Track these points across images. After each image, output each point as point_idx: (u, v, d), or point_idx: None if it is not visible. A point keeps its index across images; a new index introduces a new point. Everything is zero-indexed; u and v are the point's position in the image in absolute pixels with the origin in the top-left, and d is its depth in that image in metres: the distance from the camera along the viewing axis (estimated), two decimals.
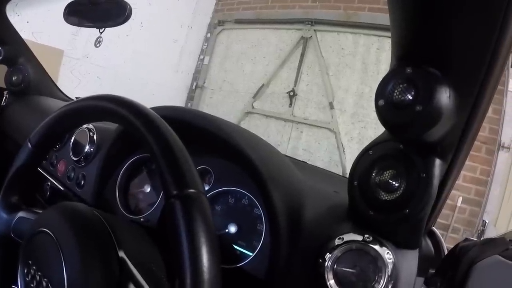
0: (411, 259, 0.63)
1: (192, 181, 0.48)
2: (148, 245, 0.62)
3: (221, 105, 5.24)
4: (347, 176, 0.67)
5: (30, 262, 0.57)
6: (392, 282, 0.60)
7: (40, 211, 0.66)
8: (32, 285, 0.55)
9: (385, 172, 0.61)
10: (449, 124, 0.52)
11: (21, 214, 0.68)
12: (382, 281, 0.60)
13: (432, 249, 0.75)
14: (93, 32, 1.48)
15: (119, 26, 1.31)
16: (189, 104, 5.58)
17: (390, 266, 0.60)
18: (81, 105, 0.64)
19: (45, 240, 0.55)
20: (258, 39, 5.04)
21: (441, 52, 0.49)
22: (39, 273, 0.55)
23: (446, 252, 0.75)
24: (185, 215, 0.45)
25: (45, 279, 0.53)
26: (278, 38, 4.85)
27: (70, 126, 0.71)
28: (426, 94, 0.49)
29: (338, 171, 3.94)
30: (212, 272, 0.44)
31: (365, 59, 4.11)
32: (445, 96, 0.49)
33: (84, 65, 4.36)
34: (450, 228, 3.35)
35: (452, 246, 0.74)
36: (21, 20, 1.58)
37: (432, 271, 0.72)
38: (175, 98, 5.45)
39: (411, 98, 0.50)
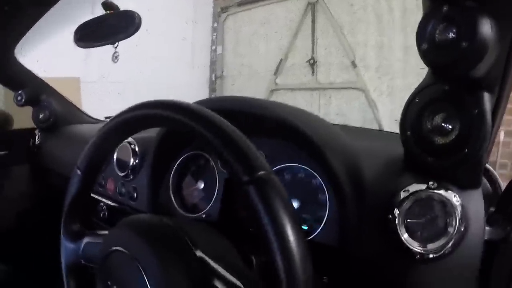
0: (477, 198, 0.63)
1: (259, 164, 0.48)
2: (218, 238, 0.63)
3: (244, 89, 5.24)
4: (385, 130, 0.66)
5: (109, 283, 0.58)
6: (464, 223, 0.61)
7: (105, 232, 0.67)
8: None
9: (436, 116, 0.61)
10: (494, 55, 0.51)
11: (86, 239, 0.69)
12: (454, 224, 0.60)
13: (490, 187, 0.75)
14: (103, 50, 1.48)
15: (127, 40, 1.30)
16: (212, 95, 5.62)
17: (459, 209, 0.60)
18: (120, 120, 0.64)
19: (120, 258, 0.56)
20: (265, 16, 4.99)
21: None
22: None
23: (502, 188, 0.74)
24: (261, 197, 0.46)
25: None
26: (285, 10, 4.80)
27: (113, 143, 0.70)
28: (469, 29, 0.48)
29: (375, 127, 3.91)
30: (300, 246, 0.45)
31: (377, 10, 4.00)
32: (488, 28, 0.48)
33: (103, 86, 4.42)
34: (497, 164, 3.25)
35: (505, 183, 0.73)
36: (30, 61, 1.63)
37: (492, 209, 0.71)
38: (198, 93, 5.50)
39: (454, 36, 0.50)
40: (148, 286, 0.51)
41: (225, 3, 5.43)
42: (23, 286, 1.79)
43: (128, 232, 0.58)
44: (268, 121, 0.80)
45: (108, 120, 0.67)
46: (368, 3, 4.08)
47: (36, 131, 1.78)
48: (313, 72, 4.51)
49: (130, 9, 1.26)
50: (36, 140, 1.77)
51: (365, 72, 4.12)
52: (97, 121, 1.88)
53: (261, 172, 0.47)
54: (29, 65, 1.66)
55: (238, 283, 0.51)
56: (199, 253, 0.54)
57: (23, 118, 1.90)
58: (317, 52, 4.49)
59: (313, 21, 4.50)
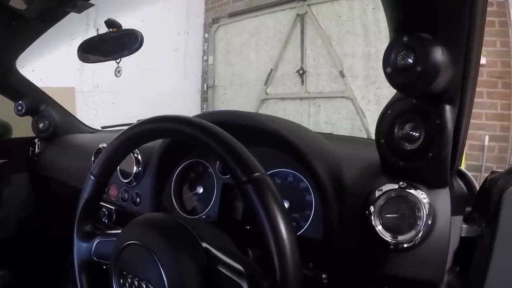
0: (443, 196, 0.73)
1: (254, 166, 0.58)
2: (220, 233, 0.70)
3: (236, 99, 5.31)
4: (372, 137, 0.76)
5: (124, 273, 0.63)
6: (431, 217, 0.71)
7: (115, 232, 0.73)
8: None
9: (405, 126, 0.70)
10: (449, 74, 0.60)
11: (98, 239, 0.74)
12: (422, 217, 0.70)
13: (465, 188, 0.84)
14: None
15: None
16: (204, 105, 5.67)
17: (426, 205, 0.71)
18: (134, 132, 0.71)
19: (134, 250, 0.62)
20: (255, 27, 5.06)
21: (428, 20, 0.58)
22: (136, 279, 0.61)
23: (477, 189, 0.83)
24: (258, 194, 0.55)
25: (144, 282, 0.60)
26: (274, 21, 4.87)
27: (125, 153, 0.76)
28: (423, 56, 0.58)
29: (363, 135, 3.99)
30: (290, 236, 0.54)
31: (364, 21, 4.09)
32: (439, 54, 0.58)
33: (97, 95, 4.45)
34: (482, 168, 3.35)
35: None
36: (27, 71, 1.66)
37: (468, 209, 0.81)
38: (190, 103, 5.55)
39: (411, 61, 0.60)
40: (162, 272, 0.58)
41: (216, 14, 5.50)
42: None
43: (141, 228, 0.65)
44: (261, 132, 0.89)
45: (124, 129, 0.72)
46: (355, 14, 4.17)
47: (36, 140, 1.82)
48: (302, 82, 4.58)
49: (124, 20, 1.31)
50: (36, 149, 1.80)
51: (353, 82, 4.19)
52: (94, 130, 1.93)
53: (257, 174, 0.57)
54: (25, 75, 1.69)
55: (239, 267, 0.58)
56: (204, 244, 0.62)
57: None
58: (306, 62, 4.56)
59: (302, 32, 4.58)
